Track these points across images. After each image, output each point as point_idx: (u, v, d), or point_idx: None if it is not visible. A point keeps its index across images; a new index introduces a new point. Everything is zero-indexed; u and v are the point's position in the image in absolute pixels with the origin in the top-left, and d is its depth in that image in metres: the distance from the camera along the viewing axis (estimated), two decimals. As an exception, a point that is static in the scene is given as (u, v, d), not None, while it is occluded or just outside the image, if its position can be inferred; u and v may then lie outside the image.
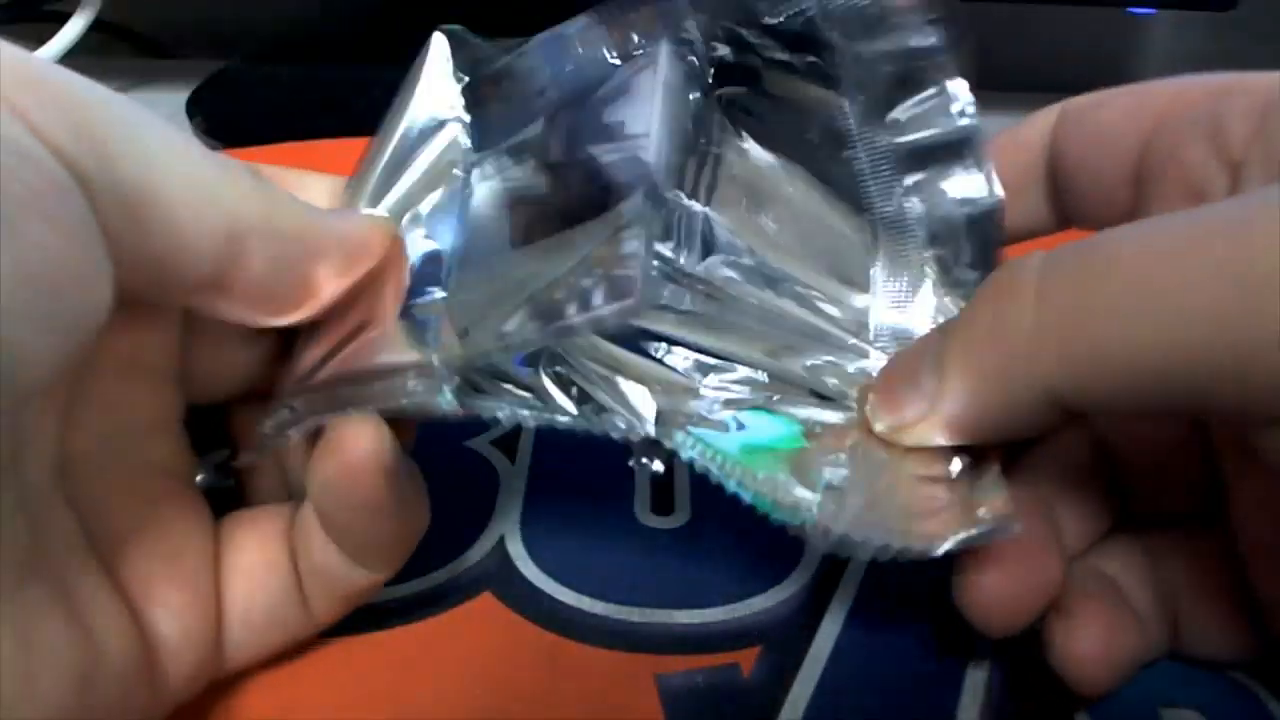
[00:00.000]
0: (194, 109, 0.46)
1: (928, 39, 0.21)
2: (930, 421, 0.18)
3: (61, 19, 0.46)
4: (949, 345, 0.18)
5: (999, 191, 0.21)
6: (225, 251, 0.17)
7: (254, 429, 0.20)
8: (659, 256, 0.20)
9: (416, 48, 0.22)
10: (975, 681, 0.21)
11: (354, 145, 0.22)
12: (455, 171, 0.21)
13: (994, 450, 0.19)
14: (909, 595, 0.23)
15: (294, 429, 0.19)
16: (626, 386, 0.19)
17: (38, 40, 0.46)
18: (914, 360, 0.19)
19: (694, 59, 0.22)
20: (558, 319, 0.17)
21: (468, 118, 0.22)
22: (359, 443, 0.18)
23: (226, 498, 0.21)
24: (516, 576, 0.23)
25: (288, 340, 0.21)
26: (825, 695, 0.21)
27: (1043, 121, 0.22)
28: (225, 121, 0.45)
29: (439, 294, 0.19)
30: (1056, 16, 0.50)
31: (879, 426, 0.19)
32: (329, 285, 0.19)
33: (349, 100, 0.43)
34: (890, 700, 0.21)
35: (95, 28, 0.47)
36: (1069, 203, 0.21)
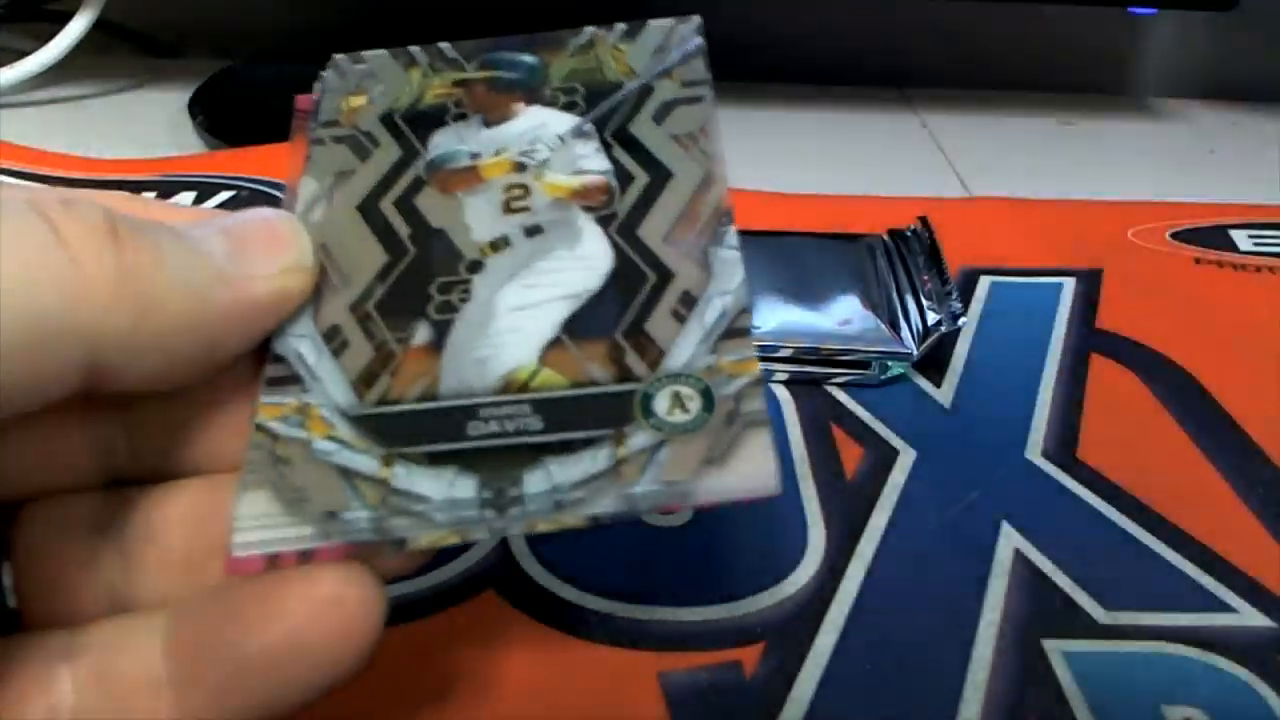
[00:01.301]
0: (195, 109, 0.46)
1: None
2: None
3: (63, 19, 0.46)
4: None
5: None
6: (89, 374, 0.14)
7: (45, 538, 0.16)
8: None
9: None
10: (976, 681, 0.21)
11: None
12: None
13: None
14: (911, 594, 0.23)
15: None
16: None
17: (39, 40, 0.46)
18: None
19: None
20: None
21: None
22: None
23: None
24: (519, 574, 0.23)
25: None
26: (828, 693, 0.21)
27: None
28: (226, 121, 0.45)
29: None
30: (1056, 16, 0.50)
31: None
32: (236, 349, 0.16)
33: (350, 100, 0.43)
34: (892, 698, 0.21)
35: (97, 27, 0.47)
36: None
